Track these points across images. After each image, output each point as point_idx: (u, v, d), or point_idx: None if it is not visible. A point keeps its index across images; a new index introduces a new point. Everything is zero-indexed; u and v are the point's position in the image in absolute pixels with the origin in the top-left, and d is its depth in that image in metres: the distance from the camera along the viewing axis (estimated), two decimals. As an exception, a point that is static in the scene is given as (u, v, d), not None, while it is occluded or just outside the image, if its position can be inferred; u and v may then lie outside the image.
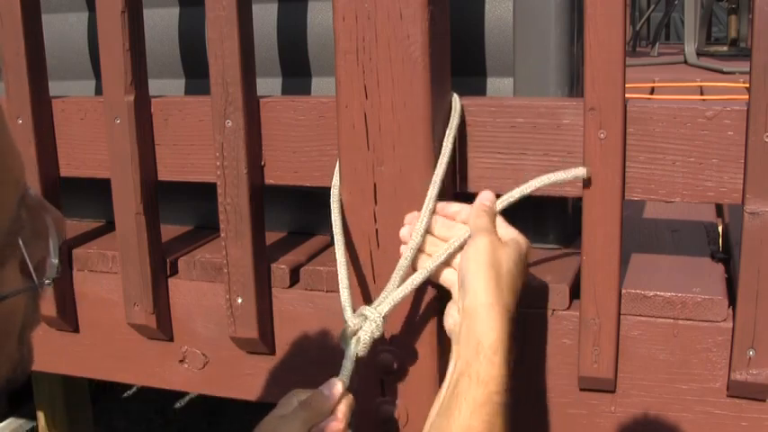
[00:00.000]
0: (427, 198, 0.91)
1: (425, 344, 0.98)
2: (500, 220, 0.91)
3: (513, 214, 1.19)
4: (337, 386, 0.85)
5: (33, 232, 0.50)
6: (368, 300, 0.98)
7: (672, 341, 0.98)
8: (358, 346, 0.88)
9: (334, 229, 0.95)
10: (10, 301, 0.48)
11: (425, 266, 0.89)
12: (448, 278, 0.90)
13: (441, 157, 0.94)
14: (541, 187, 0.93)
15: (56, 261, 0.52)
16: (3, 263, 0.47)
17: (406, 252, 0.90)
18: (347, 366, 0.87)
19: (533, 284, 1.04)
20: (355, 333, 0.88)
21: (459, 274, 0.85)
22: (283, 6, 1.33)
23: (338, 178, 0.99)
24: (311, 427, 0.83)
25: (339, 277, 0.93)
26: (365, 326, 0.88)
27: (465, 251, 0.86)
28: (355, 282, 0.99)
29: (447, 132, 0.95)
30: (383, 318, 0.88)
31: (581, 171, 0.92)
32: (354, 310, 0.90)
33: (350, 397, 0.86)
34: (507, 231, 0.89)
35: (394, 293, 0.89)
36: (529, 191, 0.93)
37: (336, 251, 0.94)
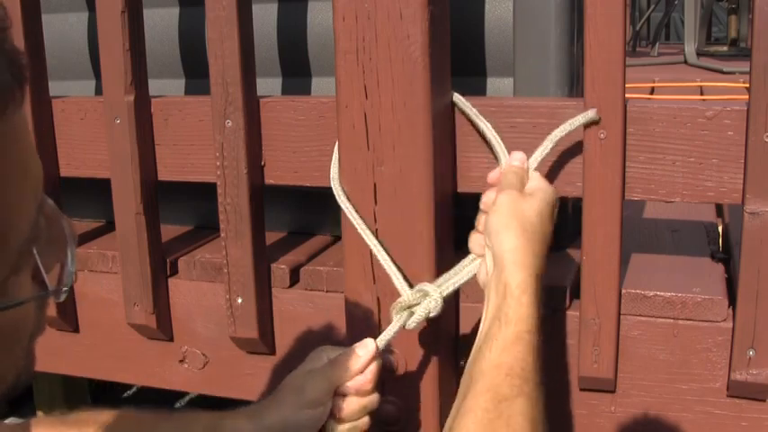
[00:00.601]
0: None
1: (425, 344, 0.98)
2: (536, 175, 0.91)
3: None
4: (370, 346, 0.85)
5: (49, 240, 0.50)
6: (369, 303, 0.98)
7: (672, 341, 0.98)
8: (409, 320, 0.87)
9: (352, 220, 0.94)
10: (23, 307, 0.48)
11: (481, 254, 0.89)
12: (477, 243, 0.90)
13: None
14: (564, 136, 0.93)
15: (73, 269, 0.52)
16: (18, 270, 0.47)
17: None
18: (389, 333, 0.87)
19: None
20: (409, 306, 0.88)
21: (485, 233, 0.86)
22: (283, 6, 1.33)
23: (336, 170, 0.98)
24: (339, 385, 0.84)
25: (381, 259, 0.92)
26: (424, 302, 0.87)
27: (489, 211, 0.87)
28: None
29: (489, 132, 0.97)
30: (443, 298, 0.87)
31: (591, 113, 0.92)
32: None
33: (380, 360, 0.86)
34: (537, 183, 0.90)
35: (456, 278, 0.89)
36: (555, 140, 0.92)
37: (366, 238, 0.93)
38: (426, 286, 0.88)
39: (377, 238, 0.97)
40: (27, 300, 0.48)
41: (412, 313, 0.87)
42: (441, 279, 0.90)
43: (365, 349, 0.85)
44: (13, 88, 0.44)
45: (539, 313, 0.80)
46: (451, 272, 0.90)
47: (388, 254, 0.93)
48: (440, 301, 0.87)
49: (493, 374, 0.74)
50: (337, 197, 0.97)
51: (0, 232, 0.44)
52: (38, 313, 0.52)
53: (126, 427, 0.86)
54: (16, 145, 0.45)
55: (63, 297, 0.52)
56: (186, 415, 0.88)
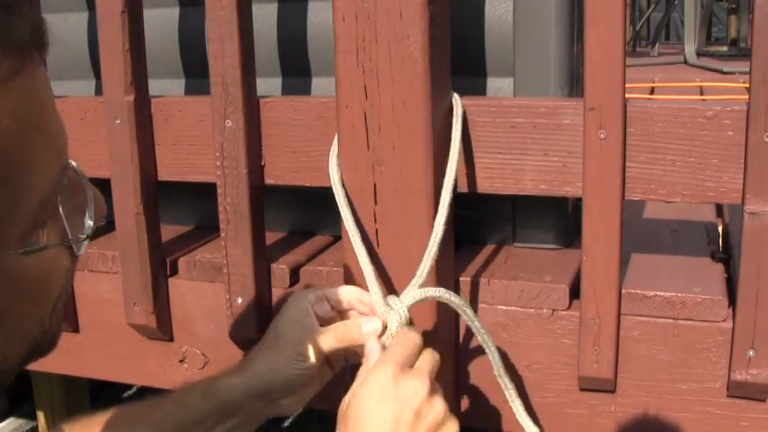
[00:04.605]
0: (440, 205, 0.91)
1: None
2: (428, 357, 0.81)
3: (514, 214, 1.19)
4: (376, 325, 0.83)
5: (74, 206, 0.54)
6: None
7: (672, 341, 0.98)
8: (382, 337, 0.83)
9: (346, 226, 0.93)
10: (50, 261, 0.52)
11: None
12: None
13: (449, 163, 0.93)
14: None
15: (91, 222, 0.56)
16: (42, 223, 0.51)
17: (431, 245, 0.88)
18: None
19: (533, 284, 1.04)
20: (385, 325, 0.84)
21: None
22: (283, 6, 1.33)
23: (336, 172, 0.98)
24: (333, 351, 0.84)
25: (363, 268, 0.88)
26: (390, 316, 0.84)
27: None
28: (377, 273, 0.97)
29: (452, 141, 0.95)
30: (407, 308, 0.84)
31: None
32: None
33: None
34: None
35: (417, 282, 0.86)
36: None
37: (355, 246, 0.90)
38: (391, 300, 0.85)
39: (377, 238, 0.97)
40: (47, 246, 0.51)
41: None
42: (407, 288, 0.87)
43: (372, 326, 0.83)
44: (30, 48, 0.48)
45: None
46: (415, 279, 0.87)
47: (374, 264, 0.91)
48: (404, 313, 0.84)
49: None
50: (337, 197, 0.96)
51: (21, 184, 0.48)
52: (66, 273, 0.55)
53: (133, 417, 0.87)
54: (36, 104, 0.49)
55: (82, 249, 0.55)
56: (182, 388, 0.89)
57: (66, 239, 0.53)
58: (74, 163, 0.55)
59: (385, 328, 0.84)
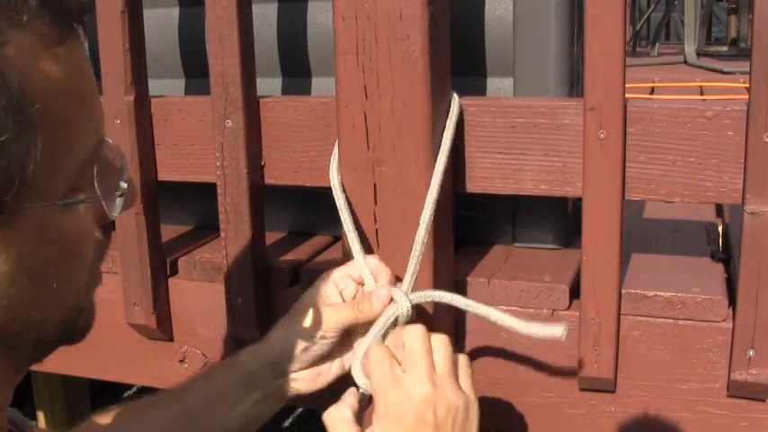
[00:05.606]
0: (426, 202, 0.91)
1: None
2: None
3: (514, 214, 1.19)
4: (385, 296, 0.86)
5: (107, 182, 0.57)
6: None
7: (672, 341, 0.98)
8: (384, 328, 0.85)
9: (344, 224, 0.94)
10: (83, 225, 0.55)
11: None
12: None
13: (437, 162, 0.93)
14: (518, 329, 0.87)
15: (124, 185, 0.58)
16: (79, 188, 0.54)
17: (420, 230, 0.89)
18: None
19: (533, 284, 1.04)
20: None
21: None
22: (283, 6, 1.33)
23: (336, 171, 0.98)
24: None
25: (361, 268, 0.90)
26: (391, 309, 0.86)
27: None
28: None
29: (443, 139, 0.95)
30: (409, 298, 0.86)
31: (559, 330, 0.84)
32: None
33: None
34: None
35: (410, 267, 0.88)
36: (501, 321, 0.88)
37: (352, 244, 0.91)
38: (394, 292, 0.86)
39: (377, 238, 0.97)
40: (84, 200, 0.54)
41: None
42: (404, 279, 0.88)
43: (382, 293, 0.86)
44: (76, 25, 0.51)
45: None
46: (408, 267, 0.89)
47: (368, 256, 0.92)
48: (408, 305, 0.85)
49: None
50: (336, 198, 0.96)
51: (65, 144, 0.51)
52: (97, 248, 0.59)
53: (164, 397, 0.90)
54: (79, 74, 0.52)
55: (116, 211, 0.58)
56: (212, 366, 0.94)
57: (100, 199, 0.56)
58: (111, 140, 0.58)
59: (391, 299, 0.86)
